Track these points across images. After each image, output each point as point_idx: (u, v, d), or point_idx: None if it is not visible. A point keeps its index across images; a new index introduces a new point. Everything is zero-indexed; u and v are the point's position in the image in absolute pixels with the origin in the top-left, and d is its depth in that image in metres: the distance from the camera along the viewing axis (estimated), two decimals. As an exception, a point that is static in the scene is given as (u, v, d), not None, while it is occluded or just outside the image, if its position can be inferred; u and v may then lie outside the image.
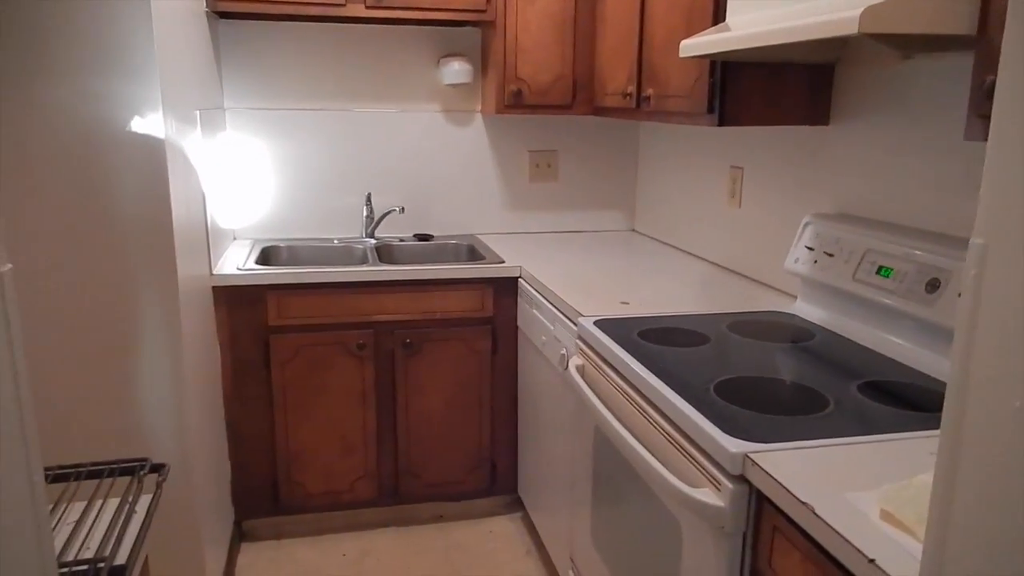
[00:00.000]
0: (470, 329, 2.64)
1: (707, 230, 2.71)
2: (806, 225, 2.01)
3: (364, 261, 2.86)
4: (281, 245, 2.93)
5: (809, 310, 1.98)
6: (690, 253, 2.83)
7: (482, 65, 3.06)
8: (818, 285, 1.93)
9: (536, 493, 2.56)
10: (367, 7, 2.64)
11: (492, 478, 2.80)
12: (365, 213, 3.00)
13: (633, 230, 3.34)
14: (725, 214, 2.58)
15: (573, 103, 2.87)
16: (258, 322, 2.50)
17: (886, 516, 1.02)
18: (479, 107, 3.12)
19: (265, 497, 2.65)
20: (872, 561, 0.92)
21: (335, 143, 3.03)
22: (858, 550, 0.94)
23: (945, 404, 0.76)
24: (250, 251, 2.77)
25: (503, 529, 2.79)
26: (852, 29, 1.25)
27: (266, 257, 2.81)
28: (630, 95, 2.48)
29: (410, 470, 2.73)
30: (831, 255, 1.88)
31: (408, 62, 3.03)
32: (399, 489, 2.74)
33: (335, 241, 3.00)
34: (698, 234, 2.78)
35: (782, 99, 2.04)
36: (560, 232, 3.26)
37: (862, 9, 1.23)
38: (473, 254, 2.91)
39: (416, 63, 3.04)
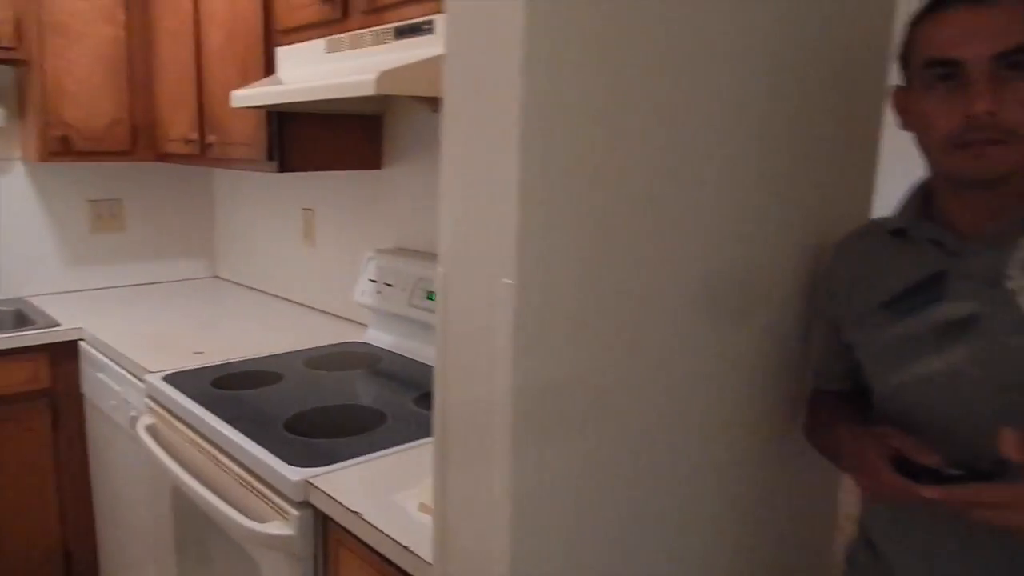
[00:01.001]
0: (22, 406, 2.32)
1: (286, 271, 2.78)
2: (369, 260, 2.19)
3: None
4: None
5: (378, 337, 2.16)
6: (272, 294, 2.86)
7: (19, 108, 2.74)
8: (383, 313, 2.13)
9: (124, 574, 2.35)
10: None
11: (67, 569, 2.49)
12: None
13: (216, 276, 3.26)
14: (302, 254, 2.68)
15: (134, 149, 2.71)
16: None
17: (424, 508, 1.18)
18: (19, 154, 2.78)
19: None
20: (406, 548, 1.07)
21: None
22: (395, 541, 1.08)
23: (435, 394, 0.93)
24: None
25: (90, 620, 2.49)
26: (371, 90, 1.43)
27: None
28: (193, 141, 2.45)
29: (-42, 580, 2.29)
30: (391, 285, 2.08)
31: (-84, 101, 2.58)
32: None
33: None
34: (278, 275, 2.83)
35: (339, 146, 2.21)
36: (132, 285, 3.04)
37: (378, 74, 1.42)
38: (22, 320, 2.56)
39: (-72, 102, 2.60)
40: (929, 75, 0.88)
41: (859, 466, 0.91)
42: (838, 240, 1.09)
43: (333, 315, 2.53)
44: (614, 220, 0.88)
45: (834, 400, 1.13)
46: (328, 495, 1.23)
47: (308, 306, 2.66)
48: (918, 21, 0.91)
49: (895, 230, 0.99)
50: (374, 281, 2.15)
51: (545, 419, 0.86)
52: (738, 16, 0.97)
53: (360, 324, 2.38)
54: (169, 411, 1.74)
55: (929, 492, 0.81)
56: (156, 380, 1.81)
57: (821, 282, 1.12)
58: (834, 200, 1.19)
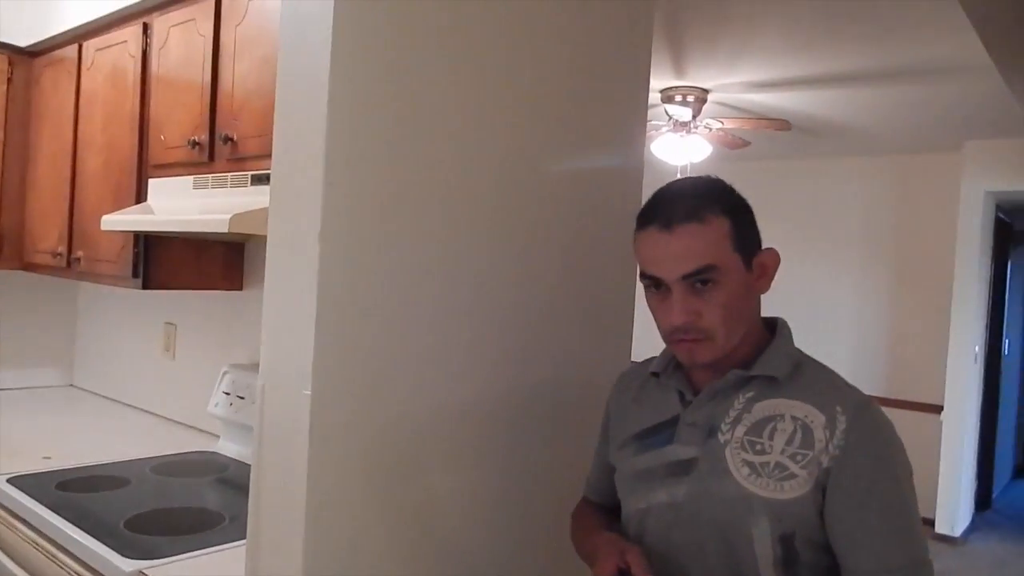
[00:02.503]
0: None
1: (145, 382, 2.88)
2: (224, 374, 2.36)
3: None
4: None
5: (229, 446, 2.30)
6: (129, 405, 2.93)
7: None
8: (234, 424, 2.28)
9: None
10: None
11: None
12: None
13: (72, 385, 3.28)
14: (161, 366, 2.80)
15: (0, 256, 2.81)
16: None
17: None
18: None
19: None
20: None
21: None
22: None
23: (251, 486, 1.14)
24: None
25: None
26: (224, 228, 1.68)
27: None
28: (60, 255, 2.58)
29: None
30: (242, 398, 2.25)
31: None
32: None
33: None
34: (137, 386, 2.92)
35: (202, 269, 2.41)
36: (-17, 391, 3.03)
37: (231, 215, 1.68)
38: None
39: None
40: (646, 282, 1.05)
41: (592, 566, 1.05)
42: (622, 372, 1.27)
43: (187, 425, 2.64)
44: (403, 346, 1.16)
45: (596, 510, 1.25)
46: (159, 583, 1.38)
47: (164, 416, 2.75)
48: (635, 231, 1.05)
49: (653, 372, 1.15)
50: (227, 394, 2.31)
51: (339, 520, 1.09)
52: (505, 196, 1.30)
53: (213, 435, 2.50)
54: (11, 512, 1.81)
55: None
56: (0, 482, 1.89)
57: (608, 406, 1.26)
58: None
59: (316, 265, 1.04)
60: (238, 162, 1.88)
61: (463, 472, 1.27)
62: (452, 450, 1.26)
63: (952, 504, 4.86)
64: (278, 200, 1.14)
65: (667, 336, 1.05)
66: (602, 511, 1.24)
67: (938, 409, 4.88)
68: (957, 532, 4.90)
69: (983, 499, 5.57)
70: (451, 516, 1.27)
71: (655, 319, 1.06)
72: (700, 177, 1.08)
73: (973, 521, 5.25)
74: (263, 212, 1.69)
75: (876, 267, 5.51)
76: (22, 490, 1.83)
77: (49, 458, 2.13)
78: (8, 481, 1.90)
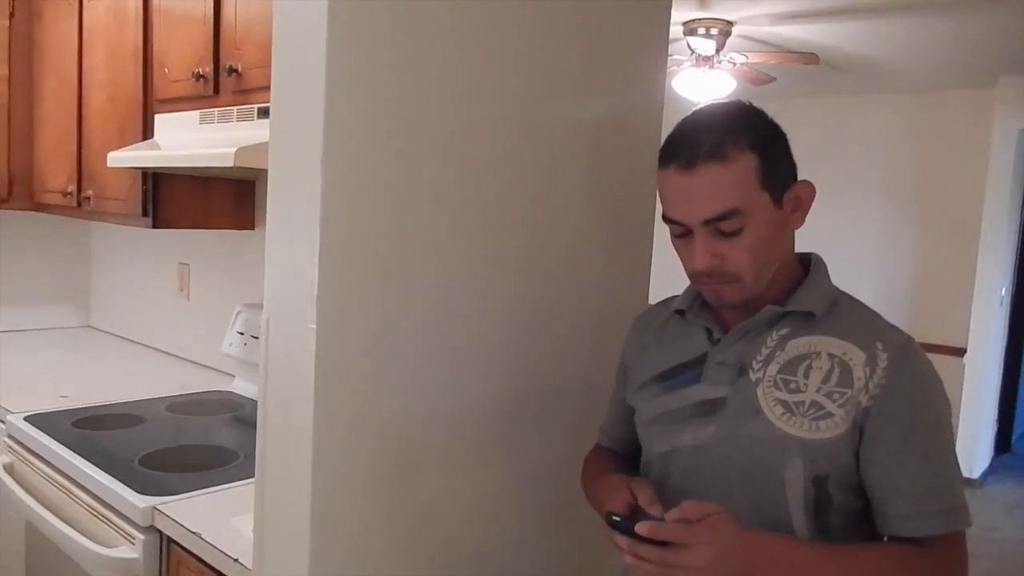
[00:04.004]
0: None
1: (160, 322, 2.87)
2: (238, 314, 2.34)
3: None
4: None
5: (244, 386, 2.30)
6: (144, 344, 2.94)
7: None
8: (249, 364, 2.27)
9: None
10: None
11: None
12: None
13: (89, 326, 3.30)
14: (175, 306, 2.79)
15: (10, 197, 2.78)
16: None
17: (257, 528, 1.34)
18: None
19: None
20: (236, 560, 1.23)
21: None
22: (225, 553, 1.24)
23: (258, 422, 1.12)
24: None
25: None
26: (230, 162, 1.63)
27: None
28: (71, 194, 2.55)
29: None
30: (256, 337, 2.24)
31: None
32: None
33: None
34: (152, 326, 2.92)
35: (212, 207, 2.37)
36: (3, 332, 3.05)
37: (236, 149, 1.62)
38: None
39: None
40: (668, 223, 0.99)
41: (597, 507, 1.02)
42: (638, 313, 1.22)
43: (202, 365, 2.64)
44: (409, 280, 1.11)
45: (609, 455, 1.21)
46: (172, 519, 1.38)
47: (179, 356, 2.76)
48: (658, 167, 0.99)
49: (677, 310, 1.10)
50: (241, 333, 2.30)
51: (343, 450, 1.07)
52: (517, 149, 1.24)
53: (228, 375, 2.50)
54: (28, 449, 1.83)
55: (619, 540, 0.87)
56: (17, 420, 1.90)
57: (624, 350, 1.21)
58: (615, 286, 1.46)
59: (318, 193, 0.99)
60: (243, 94, 1.82)
61: (473, 433, 1.24)
62: (464, 409, 1.23)
63: (972, 447, 4.83)
64: (278, 127, 1.08)
65: (693, 277, 1.01)
66: (615, 457, 1.21)
67: (961, 352, 4.82)
68: (975, 475, 4.88)
69: (1003, 442, 5.54)
70: (461, 480, 1.24)
71: (680, 259, 1.01)
72: (726, 103, 1.00)
73: (991, 464, 5.23)
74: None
75: (901, 208, 5.38)
76: (39, 428, 1.84)
77: (66, 397, 2.14)
78: (25, 419, 1.90)
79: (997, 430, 5.40)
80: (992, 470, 5.19)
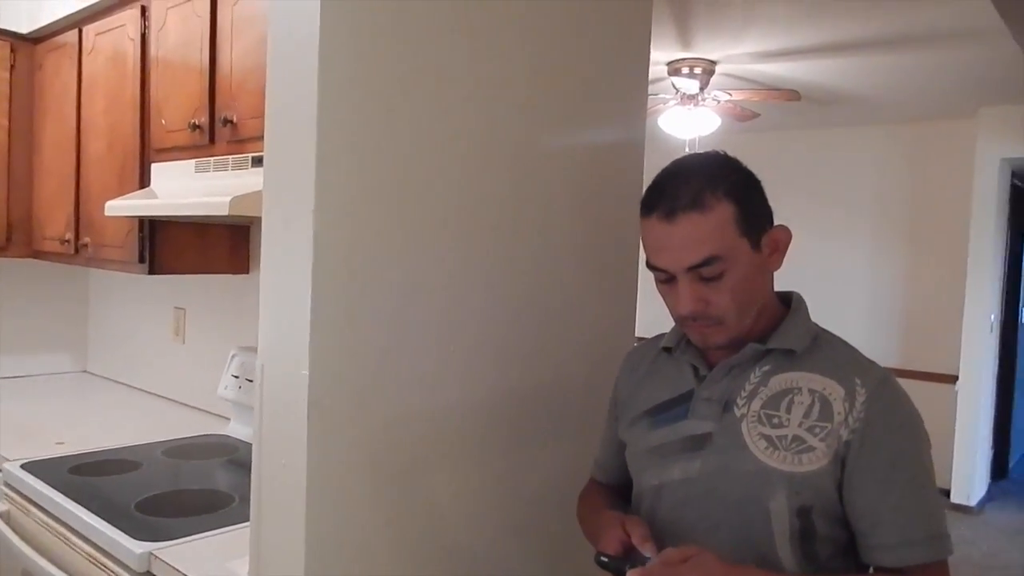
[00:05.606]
0: None
1: (155, 366, 2.90)
2: (233, 357, 2.37)
3: None
4: None
5: (239, 429, 2.32)
6: (141, 389, 2.96)
7: None
8: (244, 406, 2.29)
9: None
10: None
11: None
12: None
13: (85, 371, 3.31)
14: (171, 350, 2.81)
15: (8, 245, 2.82)
16: None
17: (253, 573, 1.36)
18: None
19: None
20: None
21: None
22: (221, 599, 1.26)
23: (253, 461, 1.14)
24: None
25: None
26: (225, 211, 1.67)
27: None
28: (68, 242, 2.59)
29: None
30: (251, 380, 2.26)
31: None
32: None
33: None
34: (148, 371, 2.94)
35: (208, 252, 2.41)
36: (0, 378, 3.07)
37: (231, 197, 1.67)
38: None
39: None
40: (652, 271, 1.03)
41: (596, 544, 1.03)
42: (629, 350, 1.26)
43: (198, 408, 2.66)
44: (402, 326, 1.15)
45: (604, 490, 1.24)
46: (169, 564, 1.39)
47: (175, 400, 2.78)
48: (640, 216, 1.03)
49: (665, 347, 1.14)
50: (236, 377, 2.32)
51: (338, 493, 1.09)
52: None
53: (224, 418, 2.52)
54: (25, 497, 1.84)
55: None
56: (14, 468, 1.91)
57: (616, 383, 1.24)
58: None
59: (311, 242, 1.03)
60: (238, 144, 1.87)
61: (465, 462, 1.27)
62: (455, 444, 1.25)
63: (968, 474, 4.84)
64: (272, 177, 1.13)
65: (679, 322, 1.05)
66: (609, 492, 1.23)
67: (953, 379, 4.84)
68: (973, 502, 4.88)
69: (999, 468, 5.54)
70: (454, 513, 1.27)
71: (666, 304, 1.05)
72: (703, 155, 1.05)
73: (989, 491, 5.23)
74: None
75: (890, 237, 5.44)
76: (36, 475, 1.85)
77: (62, 443, 2.16)
78: (22, 467, 1.92)
79: (993, 456, 5.40)
80: (990, 496, 5.18)
